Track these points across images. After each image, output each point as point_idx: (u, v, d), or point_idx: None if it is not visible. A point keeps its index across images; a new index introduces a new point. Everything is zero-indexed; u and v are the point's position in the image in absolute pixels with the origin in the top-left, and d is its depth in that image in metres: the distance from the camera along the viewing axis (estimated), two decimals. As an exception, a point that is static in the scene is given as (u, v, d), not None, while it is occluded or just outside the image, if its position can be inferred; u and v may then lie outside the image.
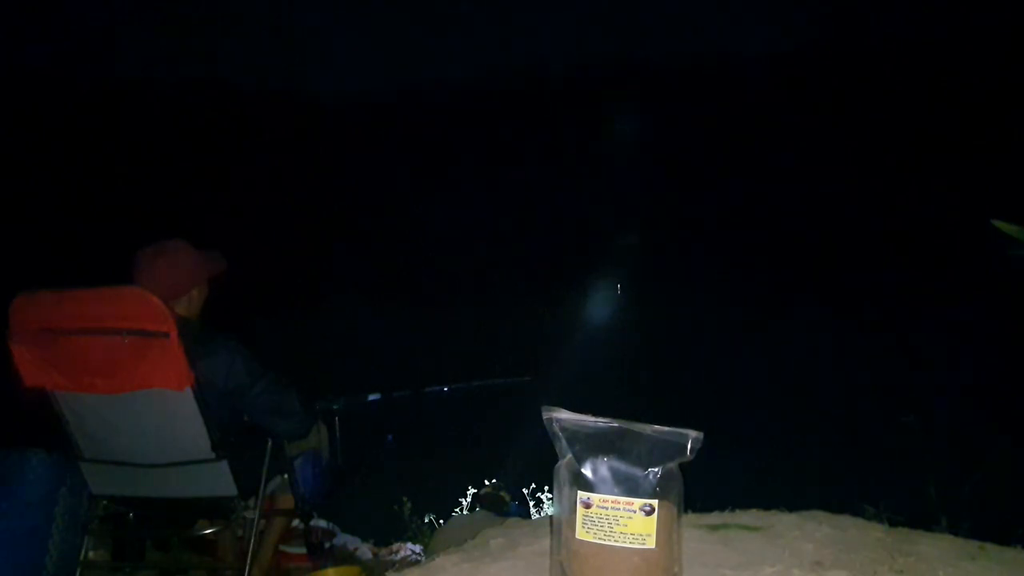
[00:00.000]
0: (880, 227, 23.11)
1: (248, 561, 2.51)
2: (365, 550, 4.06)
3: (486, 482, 4.65)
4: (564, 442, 1.32)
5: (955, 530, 2.31)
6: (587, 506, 1.28)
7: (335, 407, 3.40)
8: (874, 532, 1.88)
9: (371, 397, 4.06)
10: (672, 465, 1.29)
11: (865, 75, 35.15)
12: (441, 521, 4.62)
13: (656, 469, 1.27)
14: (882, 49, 37.93)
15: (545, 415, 1.34)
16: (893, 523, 2.06)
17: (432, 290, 21.93)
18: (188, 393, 2.32)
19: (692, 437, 1.28)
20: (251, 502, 2.56)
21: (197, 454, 2.42)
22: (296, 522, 3.21)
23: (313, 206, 29.76)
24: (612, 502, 1.27)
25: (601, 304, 20.69)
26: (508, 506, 4.27)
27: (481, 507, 4.23)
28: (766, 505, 2.09)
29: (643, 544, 1.26)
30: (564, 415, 1.33)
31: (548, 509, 4.70)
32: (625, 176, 34.49)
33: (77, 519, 2.80)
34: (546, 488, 4.84)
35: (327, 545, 3.85)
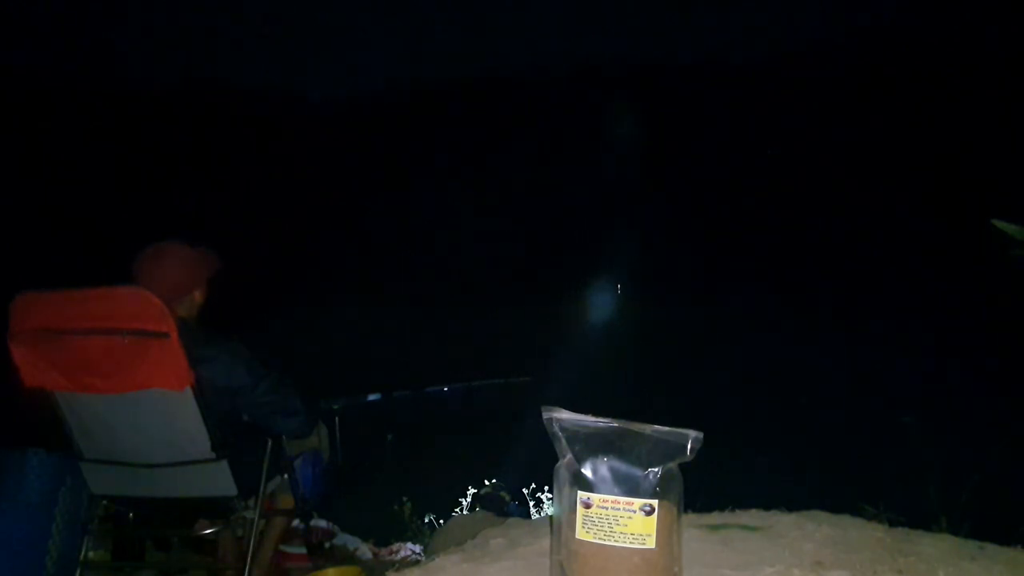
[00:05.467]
0: (880, 227, 23.11)
1: (248, 561, 2.51)
2: (365, 550, 4.05)
3: (486, 482, 4.65)
4: (564, 442, 1.32)
5: (955, 530, 2.31)
6: (587, 506, 1.28)
7: (335, 407, 3.40)
8: (874, 532, 1.88)
9: (371, 397, 4.07)
10: (672, 465, 1.28)
11: (865, 75, 35.14)
12: (441, 521, 4.61)
13: (656, 469, 1.27)
14: (883, 49, 37.91)
15: (545, 415, 1.34)
16: (893, 523, 2.06)
17: (432, 290, 21.93)
18: (188, 393, 2.32)
19: (692, 437, 1.28)
20: (251, 502, 2.56)
21: (197, 454, 2.42)
22: (296, 522, 3.21)
23: (313, 206, 29.76)
24: (612, 502, 1.27)
25: (601, 304, 20.70)
26: (508, 506, 4.27)
27: (481, 507, 4.23)
28: (766, 505, 2.09)
29: (643, 544, 1.26)
30: (564, 415, 1.33)
31: (548, 509, 4.70)
32: (625, 176, 34.49)
33: (77, 519, 2.80)
34: (546, 488, 4.83)
35: (327, 545, 3.85)
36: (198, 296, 2.60)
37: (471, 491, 4.93)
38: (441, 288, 21.98)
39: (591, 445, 1.30)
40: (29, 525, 2.72)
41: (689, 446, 1.28)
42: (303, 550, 3.68)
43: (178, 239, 2.62)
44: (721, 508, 2.11)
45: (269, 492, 2.70)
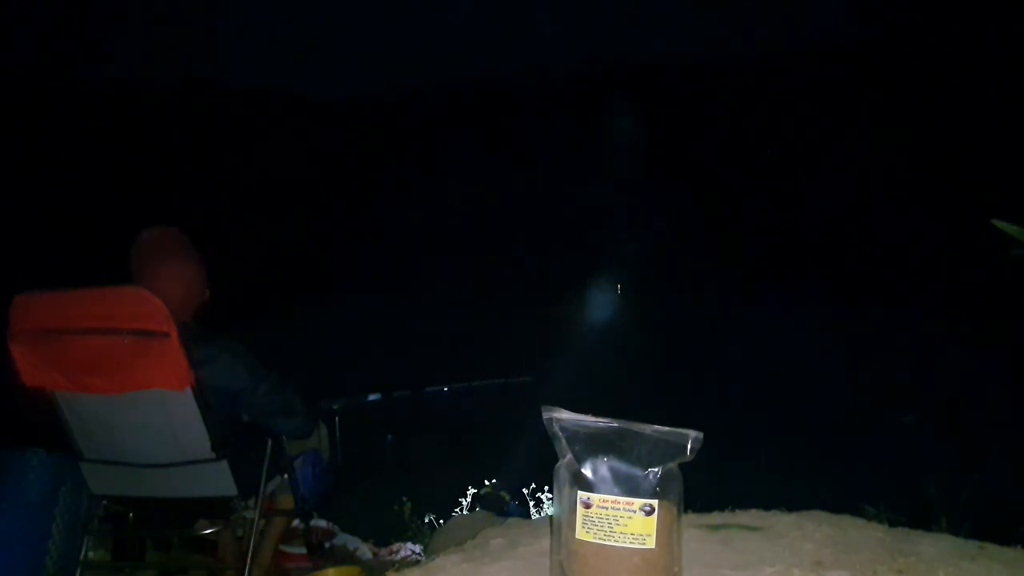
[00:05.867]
0: (881, 227, 23.10)
1: (248, 561, 2.51)
2: (365, 550, 4.05)
3: (486, 482, 4.64)
4: (564, 442, 1.32)
5: (955, 530, 2.30)
6: (587, 506, 1.28)
7: (335, 407, 3.41)
8: (874, 532, 1.88)
9: (371, 397, 4.08)
10: (672, 465, 1.28)
11: (865, 75, 35.13)
12: (441, 521, 4.62)
13: (656, 469, 1.27)
14: (883, 49, 37.90)
15: (545, 415, 1.34)
16: (893, 523, 2.06)
17: (433, 290, 21.92)
18: (188, 393, 2.31)
19: (692, 437, 1.28)
20: (251, 502, 2.56)
21: (197, 454, 2.42)
22: (296, 522, 3.21)
23: (313, 206, 29.76)
24: (612, 502, 1.27)
25: (601, 304, 20.70)
26: (508, 506, 4.27)
27: (481, 507, 4.23)
28: (766, 505, 2.09)
29: (643, 544, 1.26)
30: (564, 415, 1.33)
31: (548, 509, 4.70)
32: (626, 176, 34.48)
33: (77, 519, 2.80)
34: (546, 488, 4.83)
35: (327, 545, 3.86)
36: (207, 293, 2.61)
37: (471, 491, 4.93)
38: (442, 288, 21.97)
39: (591, 445, 1.30)
40: (29, 525, 2.72)
41: (689, 446, 1.28)
42: (303, 550, 3.68)
43: (172, 230, 2.60)
44: (721, 508, 2.10)
45: (269, 492, 2.70)
